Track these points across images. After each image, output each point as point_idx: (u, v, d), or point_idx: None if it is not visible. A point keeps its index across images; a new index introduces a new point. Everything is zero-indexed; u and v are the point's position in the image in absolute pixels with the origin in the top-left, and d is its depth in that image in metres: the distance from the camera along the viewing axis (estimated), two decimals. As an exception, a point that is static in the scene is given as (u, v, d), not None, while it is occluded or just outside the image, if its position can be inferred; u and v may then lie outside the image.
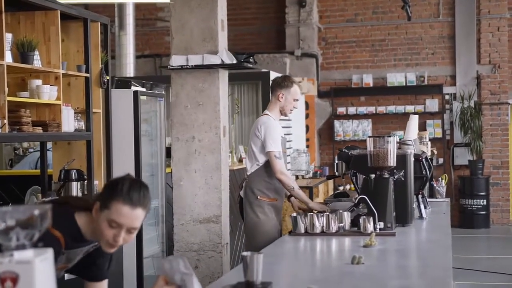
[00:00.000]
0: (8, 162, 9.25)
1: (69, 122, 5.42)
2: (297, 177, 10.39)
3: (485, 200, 12.48)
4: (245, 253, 2.73)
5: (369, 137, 4.55)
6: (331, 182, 11.21)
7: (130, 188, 2.64)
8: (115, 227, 2.62)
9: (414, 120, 5.80)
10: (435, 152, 9.15)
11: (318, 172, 10.98)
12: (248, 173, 5.38)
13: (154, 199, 6.98)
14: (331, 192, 10.43)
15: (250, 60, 5.88)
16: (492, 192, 12.72)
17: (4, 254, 1.78)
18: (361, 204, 4.51)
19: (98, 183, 5.99)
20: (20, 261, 1.77)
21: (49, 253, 1.83)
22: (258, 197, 5.29)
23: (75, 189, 5.56)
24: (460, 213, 12.64)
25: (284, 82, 5.40)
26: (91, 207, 2.73)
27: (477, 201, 12.44)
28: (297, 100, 5.44)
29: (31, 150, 8.71)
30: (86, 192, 5.76)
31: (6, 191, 6.55)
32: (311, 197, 8.99)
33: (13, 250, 1.79)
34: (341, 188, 10.45)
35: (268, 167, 5.28)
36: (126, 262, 6.07)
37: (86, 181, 5.73)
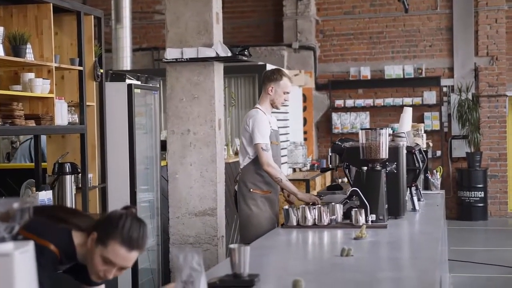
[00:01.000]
0: (6, 155, 9.25)
1: (62, 115, 5.41)
2: (294, 170, 10.40)
3: (482, 192, 12.48)
4: (232, 246, 2.75)
5: (361, 129, 4.56)
6: (328, 174, 11.22)
7: (130, 228, 2.64)
8: (108, 263, 2.65)
9: (407, 113, 5.81)
10: (431, 144, 9.15)
11: (316, 164, 10.98)
12: (241, 167, 5.41)
13: (149, 192, 6.99)
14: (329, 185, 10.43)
15: (245, 53, 5.87)
16: (489, 184, 12.73)
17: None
18: (354, 196, 4.52)
19: (92, 176, 5.99)
20: (0, 253, 1.77)
21: (30, 246, 1.83)
22: (251, 190, 5.31)
23: (69, 182, 5.56)
24: (458, 205, 12.65)
25: (274, 75, 5.40)
26: (88, 229, 2.72)
27: (474, 193, 12.45)
28: (288, 93, 5.43)
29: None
30: (80, 185, 5.76)
31: (3, 184, 6.56)
32: (307, 190, 9.00)
33: (-8, 243, 1.79)
34: (339, 180, 10.45)
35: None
36: (120, 255, 6.06)
37: (80, 174, 5.73)
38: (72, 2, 5.73)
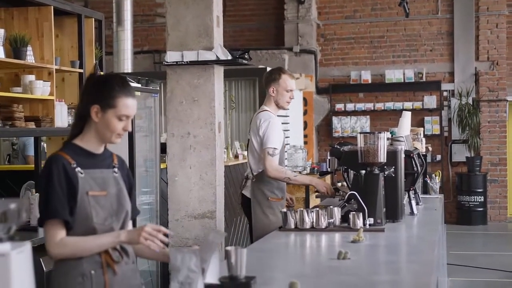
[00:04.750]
0: (6, 157, 9.27)
1: (62, 117, 5.44)
2: (294, 173, 10.39)
3: (482, 196, 12.49)
4: (228, 248, 2.75)
5: (360, 133, 4.56)
6: (329, 178, 11.22)
7: (123, 83, 2.94)
8: (124, 120, 2.94)
9: (406, 117, 5.82)
10: (430, 148, 9.16)
11: (316, 168, 10.98)
12: (255, 173, 5.34)
13: (149, 194, 7.00)
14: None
15: (245, 56, 5.88)
16: (489, 188, 12.74)
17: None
18: (352, 200, 4.53)
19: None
20: (-4, 253, 1.79)
21: (26, 246, 1.85)
22: (269, 198, 5.28)
23: (69, 184, 5.57)
24: (458, 210, 12.66)
25: (272, 75, 5.39)
26: (77, 128, 2.98)
27: (474, 198, 12.46)
28: (290, 90, 5.37)
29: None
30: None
31: (3, 186, 6.57)
32: (307, 193, 9.00)
33: (-11, 243, 1.81)
34: (339, 184, 10.44)
35: None
36: (119, 257, 6.08)
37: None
38: (73, 5, 5.76)
